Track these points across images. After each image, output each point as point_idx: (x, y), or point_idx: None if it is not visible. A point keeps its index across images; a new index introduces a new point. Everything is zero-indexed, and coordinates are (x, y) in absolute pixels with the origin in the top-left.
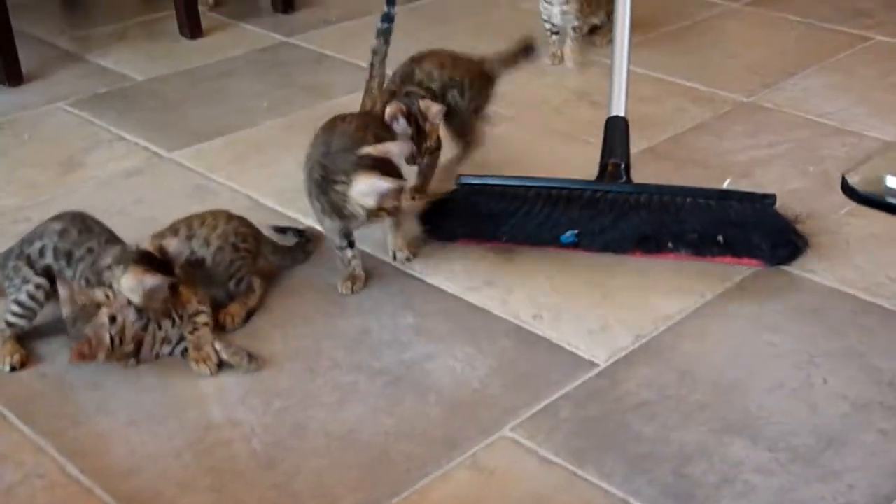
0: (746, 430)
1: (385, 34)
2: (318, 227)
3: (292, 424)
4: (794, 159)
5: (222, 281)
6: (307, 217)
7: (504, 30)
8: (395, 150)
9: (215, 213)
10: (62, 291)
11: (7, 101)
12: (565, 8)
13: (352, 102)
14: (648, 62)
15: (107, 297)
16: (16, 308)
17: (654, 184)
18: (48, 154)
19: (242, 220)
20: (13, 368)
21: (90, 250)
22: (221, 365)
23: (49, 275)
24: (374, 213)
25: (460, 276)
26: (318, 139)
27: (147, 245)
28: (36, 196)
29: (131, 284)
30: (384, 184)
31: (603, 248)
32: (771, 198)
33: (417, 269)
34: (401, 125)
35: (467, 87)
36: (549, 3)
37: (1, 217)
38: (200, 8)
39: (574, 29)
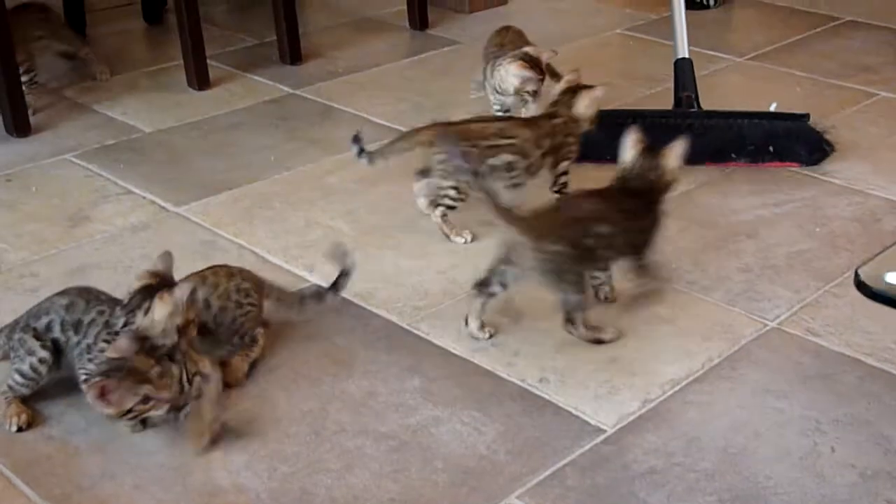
0: (754, 500)
1: None
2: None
3: (298, 490)
4: (800, 219)
5: (226, 339)
6: (313, 274)
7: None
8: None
9: (216, 271)
10: (161, 308)
11: (15, 153)
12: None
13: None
14: None
15: (158, 377)
16: (18, 378)
17: (719, 109)
18: (56, 208)
19: (244, 274)
20: (20, 429)
21: (101, 312)
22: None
23: (56, 348)
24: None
25: (467, 337)
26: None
27: (144, 279)
28: (43, 251)
29: (166, 309)
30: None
31: (687, 161)
32: (806, 116)
33: (425, 329)
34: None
35: None
36: (502, 94)
37: (8, 272)
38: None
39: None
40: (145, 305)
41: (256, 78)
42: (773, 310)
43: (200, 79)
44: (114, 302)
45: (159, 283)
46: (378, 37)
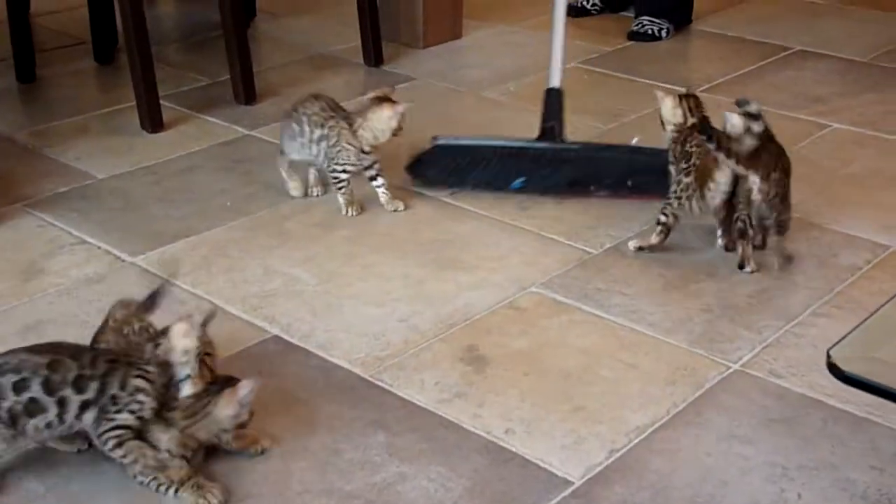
0: None
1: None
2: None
3: None
4: (758, 256)
5: None
6: (273, 325)
7: (468, 119)
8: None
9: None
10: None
11: None
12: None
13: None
14: None
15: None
16: None
17: (580, 141)
18: (8, 260)
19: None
20: None
21: (112, 361)
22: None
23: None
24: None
25: (431, 387)
26: None
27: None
28: None
29: (185, 343)
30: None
31: (543, 191)
32: (667, 152)
33: (388, 381)
34: None
35: None
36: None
37: None
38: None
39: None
40: (164, 331)
41: (211, 119)
42: (735, 351)
43: (154, 121)
44: (88, 351)
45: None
46: (333, 74)
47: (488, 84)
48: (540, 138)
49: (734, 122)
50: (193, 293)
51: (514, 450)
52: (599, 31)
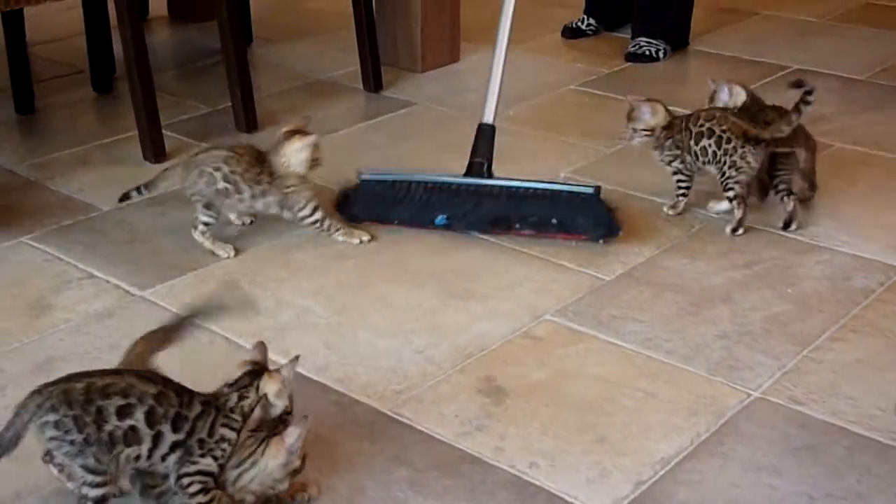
0: None
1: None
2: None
3: None
4: (771, 280)
5: None
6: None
7: (469, 144)
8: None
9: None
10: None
11: None
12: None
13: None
14: (611, 177)
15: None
16: (88, 476)
17: (506, 177)
18: (16, 297)
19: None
20: None
21: (205, 402)
22: None
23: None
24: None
25: (451, 420)
26: None
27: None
28: (6, 344)
29: (277, 388)
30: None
31: (467, 228)
32: (596, 189)
33: (407, 414)
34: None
35: None
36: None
37: None
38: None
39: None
40: (255, 384)
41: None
42: (754, 378)
43: (156, 151)
44: (186, 391)
45: (259, 367)
46: (333, 100)
47: None
48: (467, 174)
49: (741, 94)
50: (205, 327)
51: (539, 484)
52: (596, 52)
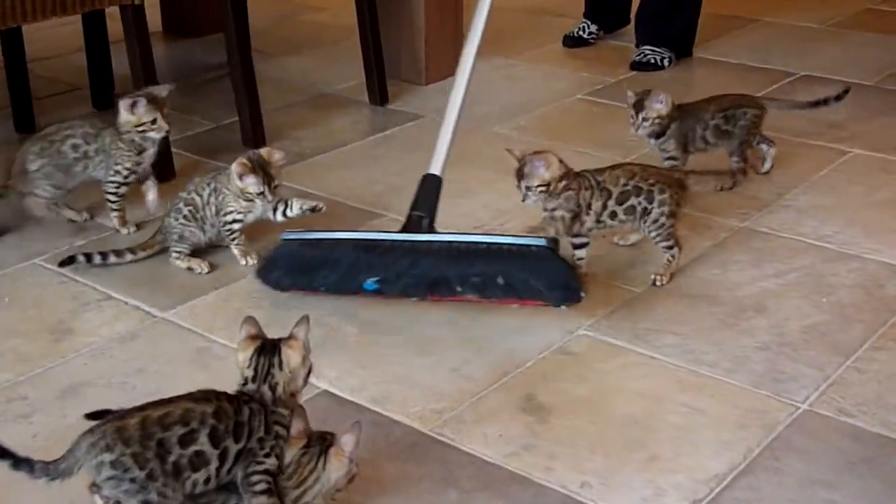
0: None
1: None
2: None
3: None
4: (804, 290)
5: None
6: (321, 379)
7: (483, 155)
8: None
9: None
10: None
11: None
12: None
13: None
14: None
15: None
16: None
17: (447, 232)
18: (34, 320)
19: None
20: None
21: (252, 409)
22: None
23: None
24: None
25: (495, 440)
26: None
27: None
28: (28, 370)
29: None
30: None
31: (402, 293)
32: (551, 241)
33: (450, 435)
34: None
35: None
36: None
37: None
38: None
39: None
40: (276, 361)
41: (221, 164)
42: (800, 391)
43: (164, 168)
44: (233, 396)
45: (266, 341)
46: (339, 114)
47: (497, 119)
48: (404, 229)
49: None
50: (231, 347)
51: None
52: (600, 61)
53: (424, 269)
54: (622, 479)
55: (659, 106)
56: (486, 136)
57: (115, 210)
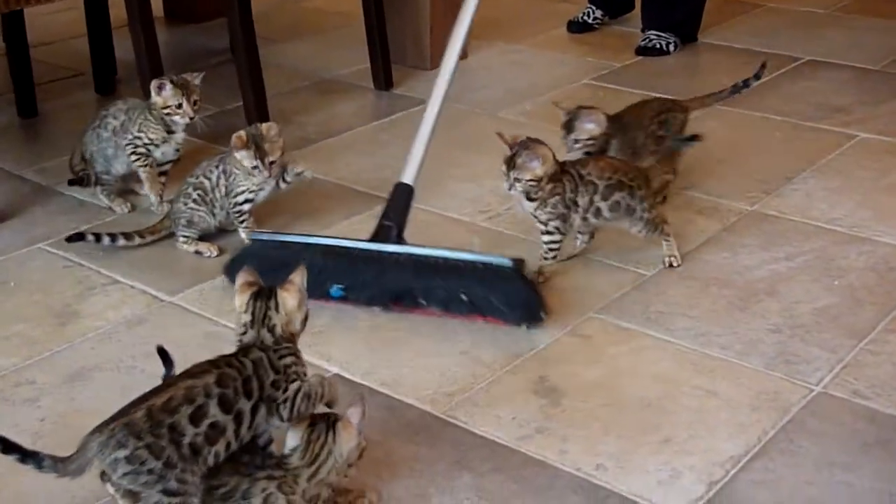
0: None
1: (735, 89)
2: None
3: None
4: (815, 273)
5: None
6: (331, 362)
7: (490, 140)
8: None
9: None
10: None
11: None
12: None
13: (352, 228)
14: None
15: None
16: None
17: (415, 245)
18: (40, 304)
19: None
20: None
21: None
22: None
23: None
24: None
25: (508, 423)
26: None
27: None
28: (35, 354)
29: (296, 298)
30: None
31: (367, 301)
32: (516, 262)
33: (462, 418)
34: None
35: None
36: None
37: (1, 380)
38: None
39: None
40: (272, 304)
41: (226, 149)
42: (814, 373)
43: None
44: (233, 356)
45: (262, 287)
46: (344, 99)
47: (503, 104)
48: (374, 238)
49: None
50: None
51: (609, 487)
52: (605, 46)
53: (390, 280)
54: (637, 462)
55: (590, 126)
56: (492, 121)
57: (144, 171)
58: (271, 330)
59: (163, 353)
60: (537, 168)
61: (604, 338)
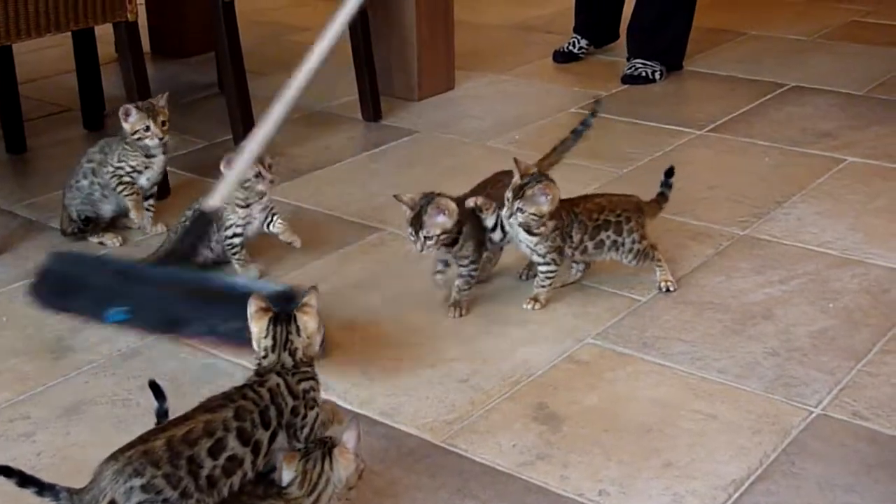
0: None
1: (577, 134)
2: None
3: None
4: (810, 296)
5: None
6: (329, 391)
7: (480, 170)
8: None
9: None
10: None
11: None
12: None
13: (346, 257)
14: None
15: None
16: None
17: (198, 270)
18: (32, 339)
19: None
20: None
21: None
22: None
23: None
24: None
25: (508, 450)
26: None
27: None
28: (29, 389)
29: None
30: None
31: (152, 329)
32: (290, 290)
33: (462, 446)
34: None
35: None
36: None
37: None
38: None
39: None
40: (293, 328)
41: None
42: (813, 395)
43: (160, 187)
44: (248, 388)
45: (278, 311)
46: (333, 130)
47: (492, 134)
48: (161, 261)
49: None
50: (238, 364)
51: None
52: (591, 75)
53: (170, 307)
54: (640, 487)
55: (442, 219)
56: (482, 151)
57: (130, 199)
58: (292, 353)
59: (155, 387)
60: (544, 205)
61: (601, 363)
